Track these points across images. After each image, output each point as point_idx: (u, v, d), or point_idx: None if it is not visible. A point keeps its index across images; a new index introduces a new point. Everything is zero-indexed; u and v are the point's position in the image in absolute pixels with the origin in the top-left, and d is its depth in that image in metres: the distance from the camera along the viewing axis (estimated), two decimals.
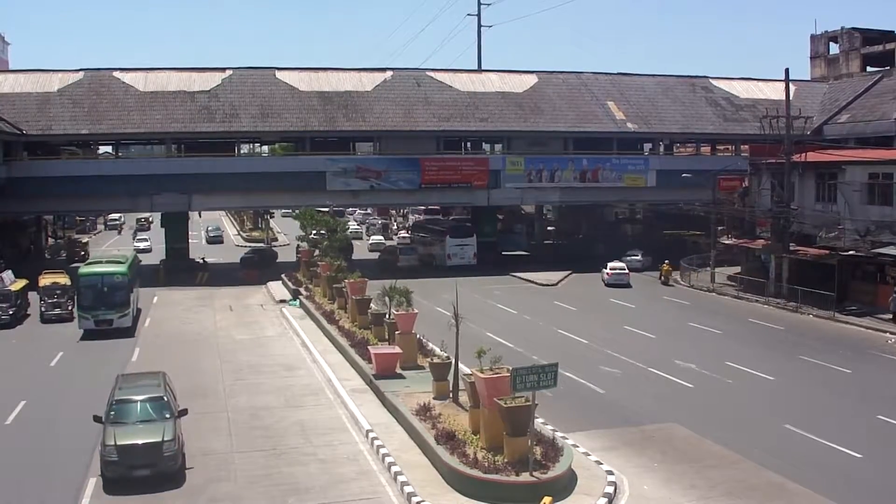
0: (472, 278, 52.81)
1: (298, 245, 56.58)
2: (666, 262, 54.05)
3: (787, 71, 49.24)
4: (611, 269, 52.30)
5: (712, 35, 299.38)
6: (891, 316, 39.28)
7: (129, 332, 36.91)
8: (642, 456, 21.22)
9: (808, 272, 44.68)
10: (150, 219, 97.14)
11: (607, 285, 51.52)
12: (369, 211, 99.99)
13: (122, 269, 38.42)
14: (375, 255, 65.82)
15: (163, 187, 56.01)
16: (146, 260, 60.54)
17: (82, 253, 65.94)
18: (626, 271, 52.37)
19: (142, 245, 72.65)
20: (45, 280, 42.87)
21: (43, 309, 40.77)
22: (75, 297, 38.05)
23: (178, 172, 56.39)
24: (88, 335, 36.37)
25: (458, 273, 51.76)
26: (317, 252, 48.48)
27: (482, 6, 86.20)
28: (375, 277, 38.78)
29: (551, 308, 44.63)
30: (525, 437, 18.53)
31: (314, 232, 49.73)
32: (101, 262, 40.44)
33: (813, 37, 77.40)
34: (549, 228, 79.56)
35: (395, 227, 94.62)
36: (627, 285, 51.37)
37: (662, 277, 53.43)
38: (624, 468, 20.19)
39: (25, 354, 33.82)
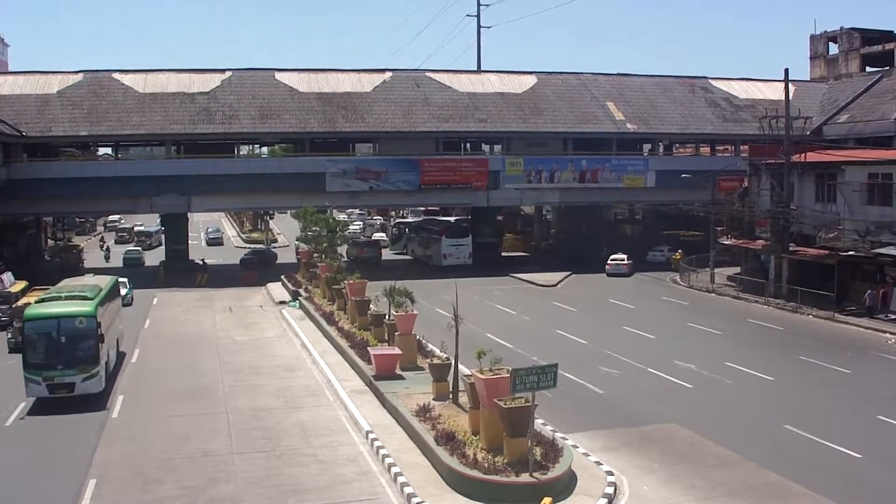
0: (472, 279, 52.85)
1: (297, 246, 56.58)
2: (679, 251, 59.47)
3: (786, 71, 49.31)
4: (611, 261, 58.02)
5: (711, 35, 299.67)
6: (866, 312, 40.36)
7: (97, 403, 25.90)
8: (642, 456, 21.22)
9: (807, 272, 44.69)
10: (135, 227, 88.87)
11: (608, 275, 56.67)
12: (363, 212, 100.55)
13: (86, 308, 26.80)
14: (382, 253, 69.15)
15: (162, 189, 56.17)
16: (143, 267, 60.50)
17: (79, 263, 61.23)
18: (625, 262, 57.66)
19: (133, 256, 66.84)
20: (27, 299, 35.00)
21: (9, 336, 33.98)
22: (23, 350, 26.45)
23: (177, 174, 56.53)
24: (40, 407, 25.56)
25: (456, 274, 51.79)
26: (315, 254, 48.44)
27: (481, 7, 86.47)
28: (372, 278, 38.78)
29: (551, 309, 44.64)
30: (525, 438, 18.54)
31: (311, 229, 49.36)
32: (58, 299, 28.19)
33: (812, 37, 77.47)
34: (525, 230, 79.75)
35: None
36: (626, 274, 56.67)
37: (673, 265, 58.65)
38: (624, 469, 20.19)
39: None
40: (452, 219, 75.94)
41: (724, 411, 25.35)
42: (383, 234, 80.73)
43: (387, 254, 71.94)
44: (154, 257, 66.52)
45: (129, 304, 43.68)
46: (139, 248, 70.69)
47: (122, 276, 42.79)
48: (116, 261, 65.84)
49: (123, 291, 41.15)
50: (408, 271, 56.31)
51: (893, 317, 39.53)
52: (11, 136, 53.46)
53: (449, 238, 62.25)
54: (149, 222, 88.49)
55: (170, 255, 60.10)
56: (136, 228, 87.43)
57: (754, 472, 20.06)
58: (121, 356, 32.37)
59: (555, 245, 72.53)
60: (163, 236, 78.78)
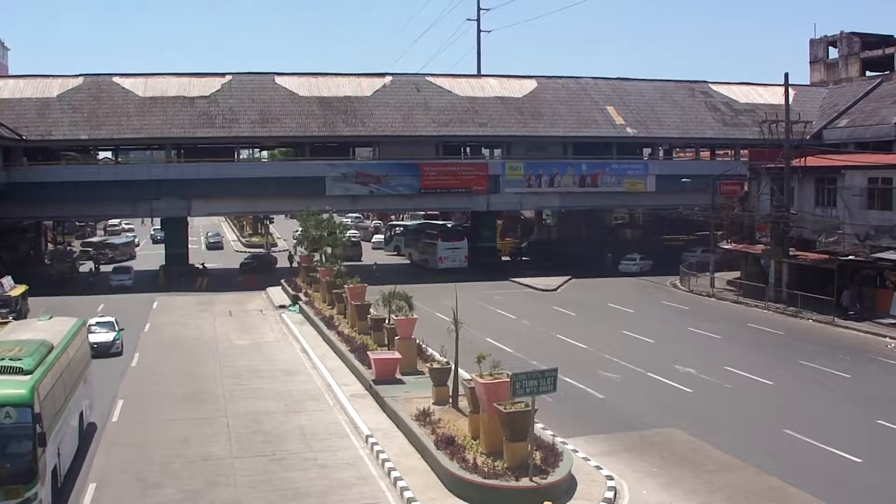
0: (472, 283, 52.80)
1: (296, 247, 56.44)
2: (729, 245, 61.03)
3: (786, 75, 49.49)
4: (623, 260, 61.16)
5: (711, 40, 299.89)
6: (845, 311, 40.89)
7: None
8: (642, 461, 21.23)
9: (807, 277, 44.67)
10: (113, 237, 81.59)
11: (621, 273, 59.72)
12: (359, 215, 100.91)
13: (18, 390, 17.22)
14: (379, 254, 71.97)
15: (162, 192, 56.18)
16: (143, 272, 59.93)
17: (73, 272, 58.67)
18: (636, 262, 60.67)
19: (120, 280, 55.94)
20: None
21: None
22: None
23: (177, 178, 56.54)
24: None
25: (456, 278, 51.68)
26: (315, 255, 48.41)
27: (482, 11, 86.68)
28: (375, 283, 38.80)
29: (551, 313, 44.63)
30: (525, 443, 18.54)
31: (312, 229, 49.04)
32: None
33: (812, 41, 77.59)
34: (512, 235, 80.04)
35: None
36: (635, 273, 59.41)
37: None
38: (624, 473, 20.20)
39: None
40: (449, 223, 76.12)
41: (724, 415, 25.34)
42: (382, 237, 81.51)
43: (382, 255, 72.96)
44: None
45: (119, 354, 33.64)
46: (129, 267, 59.91)
47: (110, 307, 40.67)
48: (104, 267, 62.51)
49: (110, 336, 33.57)
50: (406, 275, 56.30)
51: (892, 320, 39.56)
52: (12, 140, 53.50)
53: (445, 242, 62.76)
54: (142, 230, 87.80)
55: (170, 260, 60.06)
56: (108, 241, 77.66)
57: (754, 477, 20.06)
58: (90, 430, 23.45)
59: (530, 248, 72.41)
60: (135, 249, 76.74)
